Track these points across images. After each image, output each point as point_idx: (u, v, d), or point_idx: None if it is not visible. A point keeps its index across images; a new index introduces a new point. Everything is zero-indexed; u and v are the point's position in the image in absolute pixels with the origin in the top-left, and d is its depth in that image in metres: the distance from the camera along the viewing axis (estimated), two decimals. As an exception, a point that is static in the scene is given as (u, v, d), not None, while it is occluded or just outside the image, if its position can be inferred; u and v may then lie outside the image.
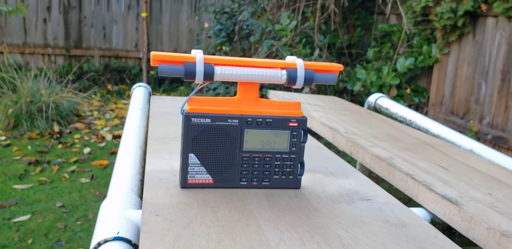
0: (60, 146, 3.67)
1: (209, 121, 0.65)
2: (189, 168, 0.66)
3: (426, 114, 3.74)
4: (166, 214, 0.57)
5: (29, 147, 3.61)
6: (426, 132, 1.46)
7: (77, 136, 3.92)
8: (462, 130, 3.39)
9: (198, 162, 0.66)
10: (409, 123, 1.58)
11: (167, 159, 0.78)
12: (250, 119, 0.67)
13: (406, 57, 3.78)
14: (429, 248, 0.55)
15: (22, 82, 4.19)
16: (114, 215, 0.61)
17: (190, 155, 0.65)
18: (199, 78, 0.63)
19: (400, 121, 1.62)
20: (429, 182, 0.80)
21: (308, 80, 0.66)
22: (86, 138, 3.91)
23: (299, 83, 0.66)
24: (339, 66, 0.67)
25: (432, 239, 0.57)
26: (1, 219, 2.47)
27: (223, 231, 0.54)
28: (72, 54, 6.04)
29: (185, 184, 0.66)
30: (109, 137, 3.97)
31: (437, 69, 3.79)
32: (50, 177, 3.07)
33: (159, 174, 0.70)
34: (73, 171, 3.20)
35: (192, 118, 0.65)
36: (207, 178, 0.66)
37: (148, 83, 5.95)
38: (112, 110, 4.90)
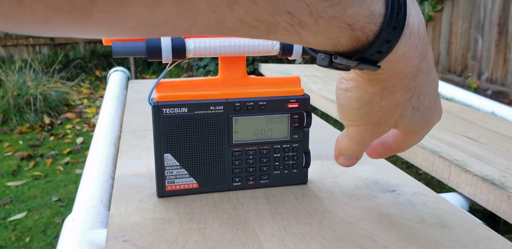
0: (52, 138, 3.54)
1: (186, 110, 0.51)
2: (166, 171, 0.52)
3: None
4: (138, 238, 0.43)
5: (21, 142, 3.48)
6: (438, 96, 1.32)
7: (68, 126, 3.79)
8: (461, 87, 3.26)
9: (177, 164, 0.52)
10: (417, 88, 1.44)
11: (143, 158, 0.64)
12: (238, 104, 0.53)
13: (399, 17, 3.62)
14: (485, 256, 0.42)
15: (7, 75, 4.03)
16: (76, 238, 0.48)
17: (165, 155, 0.52)
18: (166, 57, 0.49)
19: (407, 86, 1.47)
20: (461, 160, 0.66)
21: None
22: (78, 127, 3.77)
23: (296, 53, 0.52)
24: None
25: (485, 242, 0.44)
26: (-4, 219, 2.36)
27: (213, 258, 0.40)
28: (57, 42, 5.83)
29: (162, 192, 0.53)
30: (101, 124, 3.83)
31: (431, 27, 3.63)
32: (44, 171, 2.95)
33: (132, 180, 0.57)
34: (67, 163, 3.08)
35: (164, 109, 0.51)
36: (190, 182, 0.53)
37: (136, 66, 5.76)
38: (102, 97, 4.75)
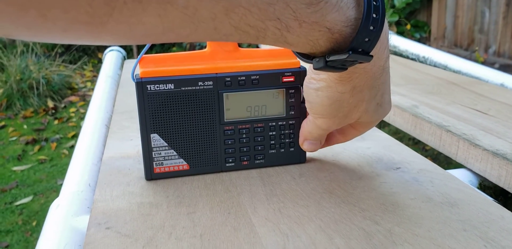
0: (56, 122, 3.52)
1: (172, 87, 0.48)
2: (153, 153, 0.49)
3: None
4: (122, 224, 0.40)
5: (25, 126, 3.46)
6: (445, 68, 1.28)
7: (72, 109, 3.77)
8: (468, 61, 3.20)
9: (165, 144, 0.49)
10: (423, 61, 1.39)
11: (134, 139, 0.61)
12: (228, 78, 0.49)
13: (404, -9, 3.54)
14: (497, 237, 0.39)
15: (9, 60, 3.99)
16: (59, 224, 0.45)
17: (152, 135, 0.48)
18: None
19: (413, 59, 1.42)
20: (470, 133, 0.62)
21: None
22: (82, 110, 3.75)
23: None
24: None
25: (498, 222, 0.41)
26: (3, 204, 2.36)
27: (201, 245, 0.37)
28: (57, 24, 5.75)
29: (151, 175, 0.49)
30: (105, 107, 3.80)
31: (437, 0, 3.54)
32: (49, 155, 2.95)
33: (120, 162, 0.54)
34: (72, 146, 3.07)
35: (148, 86, 0.47)
36: (180, 163, 0.50)
37: (138, 46, 5.70)
38: (106, 79, 4.70)
